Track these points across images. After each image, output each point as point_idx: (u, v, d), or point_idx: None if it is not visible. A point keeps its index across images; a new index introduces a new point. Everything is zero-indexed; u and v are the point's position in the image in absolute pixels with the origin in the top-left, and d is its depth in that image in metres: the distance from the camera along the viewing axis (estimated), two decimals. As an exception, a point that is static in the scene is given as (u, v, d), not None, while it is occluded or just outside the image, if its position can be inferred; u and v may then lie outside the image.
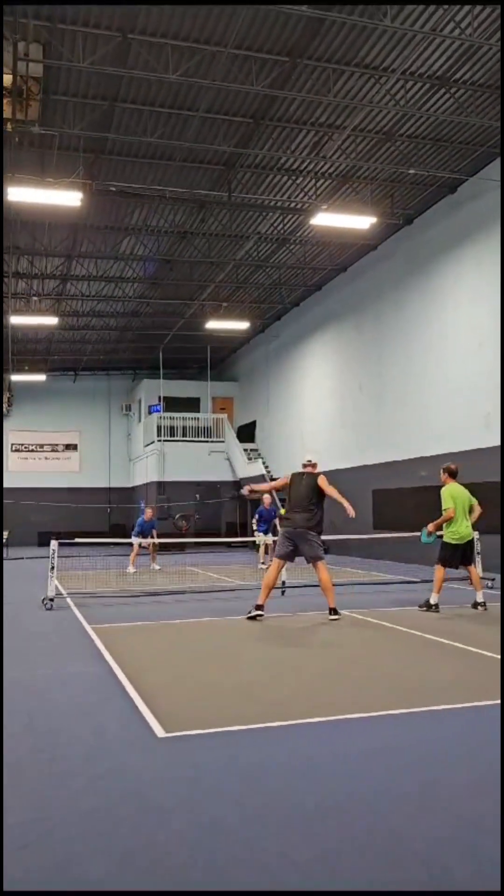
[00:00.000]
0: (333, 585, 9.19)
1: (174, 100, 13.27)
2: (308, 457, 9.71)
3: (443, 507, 9.78)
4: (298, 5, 10.43)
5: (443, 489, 9.93)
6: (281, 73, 12.44)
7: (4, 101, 12.37)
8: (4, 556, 22.17)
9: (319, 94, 12.84)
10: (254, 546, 19.69)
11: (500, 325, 14.71)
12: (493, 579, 11.91)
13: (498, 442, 14.53)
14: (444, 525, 9.77)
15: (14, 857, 2.99)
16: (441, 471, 10.15)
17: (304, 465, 9.52)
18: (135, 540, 17.39)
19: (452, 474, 9.98)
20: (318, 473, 9.36)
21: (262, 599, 9.13)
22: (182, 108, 13.47)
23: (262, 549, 17.23)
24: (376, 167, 15.77)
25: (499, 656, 6.61)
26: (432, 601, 9.69)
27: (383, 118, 14.09)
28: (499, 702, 5.09)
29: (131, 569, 17.03)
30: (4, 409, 31.76)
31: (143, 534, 17.85)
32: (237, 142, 14.73)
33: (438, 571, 9.80)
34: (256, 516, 17.38)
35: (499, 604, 9.97)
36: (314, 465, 9.56)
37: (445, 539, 9.80)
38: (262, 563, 16.86)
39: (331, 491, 9.11)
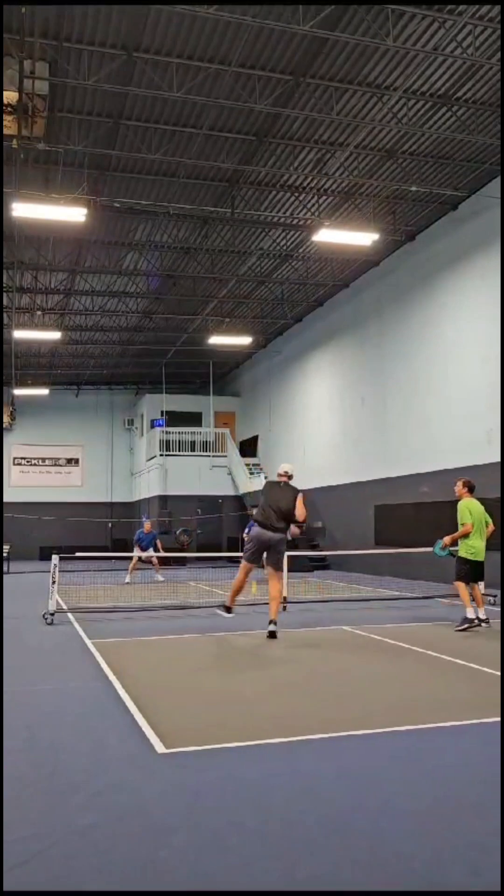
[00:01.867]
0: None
1: (178, 117, 13.39)
2: (287, 468, 9.52)
3: (459, 521, 9.63)
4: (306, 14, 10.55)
5: (460, 503, 9.77)
6: (284, 92, 12.56)
7: (10, 118, 12.50)
8: (6, 570, 22.16)
9: (322, 112, 12.96)
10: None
11: (500, 341, 14.75)
12: (494, 596, 11.88)
13: (499, 458, 14.53)
14: (460, 540, 9.64)
15: (13, 873, 2.97)
16: (459, 484, 9.95)
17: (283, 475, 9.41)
18: (134, 553, 17.75)
19: (471, 489, 9.85)
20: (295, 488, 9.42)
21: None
22: (186, 125, 13.60)
23: None
24: (378, 184, 15.87)
25: (498, 673, 6.58)
26: (469, 615, 9.39)
27: (385, 136, 14.20)
28: (498, 719, 5.06)
29: (127, 578, 17.53)
30: (7, 423, 31.81)
31: (141, 545, 18.11)
32: (240, 159, 14.84)
33: (460, 588, 9.55)
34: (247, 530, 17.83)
35: (499, 620, 9.93)
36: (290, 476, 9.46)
37: (462, 554, 9.60)
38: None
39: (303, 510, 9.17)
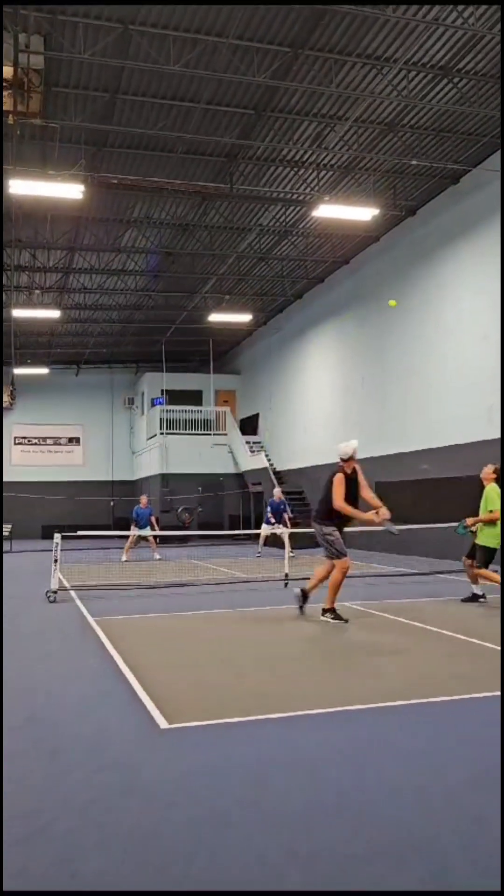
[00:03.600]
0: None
1: (175, 91, 13.22)
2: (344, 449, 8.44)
3: (489, 507, 9.43)
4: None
5: (490, 488, 9.55)
6: (283, 64, 12.39)
7: (6, 93, 12.34)
8: (8, 549, 22.26)
9: (321, 84, 12.78)
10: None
11: (500, 317, 14.67)
12: (494, 571, 11.91)
13: (499, 435, 14.51)
14: (483, 525, 9.45)
15: (14, 849, 3.00)
16: (490, 469, 9.69)
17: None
18: (132, 531, 17.91)
19: (500, 476, 9.65)
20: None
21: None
22: (184, 99, 13.42)
23: (262, 538, 18.61)
24: (378, 158, 15.70)
25: (498, 647, 6.61)
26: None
27: (385, 109, 14.02)
28: (498, 693, 5.09)
29: (124, 557, 17.68)
30: (8, 403, 31.79)
31: (139, 522, 18.25)
32: (239, 133, 14.67)
33: (489, 576, 9.46)
34: (269, 508, 18.29)
35: (499, 596, 9.96)
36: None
37: (486, 543, 9.41)
38: (259, 552, 18.53)
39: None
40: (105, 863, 2.89)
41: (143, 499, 19.33)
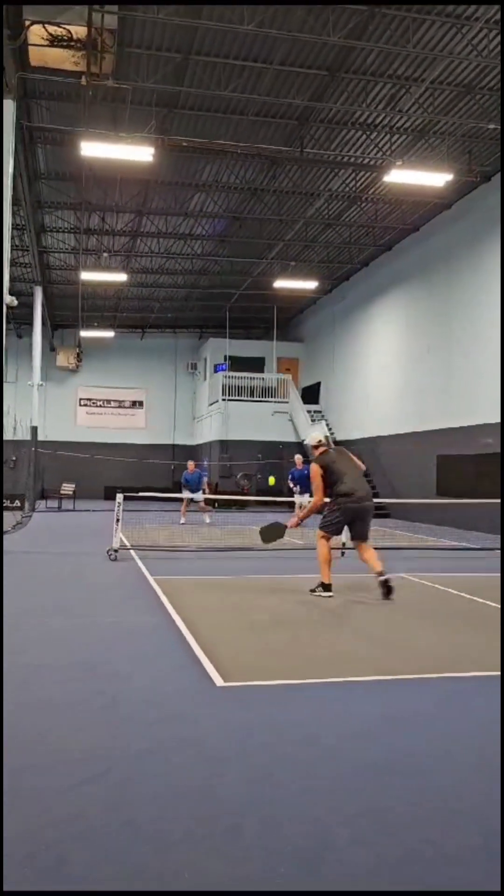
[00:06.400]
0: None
1: (248, 52, 13.02)
2: (320, 437, 8.92)
3: None
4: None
5: None
6: (358, 23, 12.05)
7: (80, 54, 12.37)
8: (71, 508, 22.84)
9: (398, 44, 12.41)
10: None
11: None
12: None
13: None
14: None
15: (72, 793, 3.12)
16: None
17: (320, 446, 8.70)
18: (184, 494, 18.35)
19: None
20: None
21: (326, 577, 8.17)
22: (256, 60, 13.21)
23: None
24: (454, 122, 15.22)
25: None
26: None
27: (464, 70, 13.54)
28: None
29: (182, 520, 18.26)
30: (74, 365, 32.39)
31: (189, 487, 18.67)
32: (311, 95, 14.40)
33: None
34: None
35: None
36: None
37: None
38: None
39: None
40: (159, 811, 2.98)
41: (192, 464, 19.85)
